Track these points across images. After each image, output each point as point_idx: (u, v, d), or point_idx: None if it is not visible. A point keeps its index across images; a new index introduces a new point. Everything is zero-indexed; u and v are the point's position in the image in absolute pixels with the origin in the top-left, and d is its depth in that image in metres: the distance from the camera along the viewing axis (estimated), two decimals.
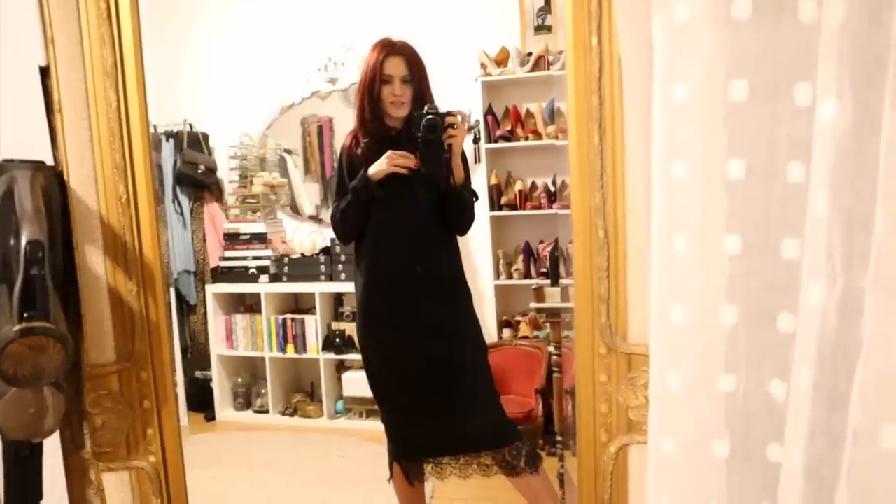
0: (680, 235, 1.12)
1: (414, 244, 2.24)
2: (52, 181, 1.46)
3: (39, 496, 1.43)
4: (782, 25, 1.00)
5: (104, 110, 1.49)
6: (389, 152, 2.15)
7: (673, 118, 1.10)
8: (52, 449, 1.53)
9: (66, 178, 1.50)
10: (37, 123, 1.49)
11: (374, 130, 2.25)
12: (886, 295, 0.85)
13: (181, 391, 4.44)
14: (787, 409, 1.01)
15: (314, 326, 4.33)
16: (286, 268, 4.43)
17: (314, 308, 4.33)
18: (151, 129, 4.42)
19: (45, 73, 1.48)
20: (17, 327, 1.25)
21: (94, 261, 1.53)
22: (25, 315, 1.27)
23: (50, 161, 1.50)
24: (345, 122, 4.46)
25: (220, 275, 4.56)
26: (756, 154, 1.05)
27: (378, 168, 2.17)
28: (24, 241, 1.28)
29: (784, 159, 1.03)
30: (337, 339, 4.26)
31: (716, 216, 1.08)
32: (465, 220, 2.31)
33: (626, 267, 1.42)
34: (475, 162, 4.07)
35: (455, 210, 2.25)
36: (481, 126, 4.11)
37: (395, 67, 2.20)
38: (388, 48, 2.21)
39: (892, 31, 0.83)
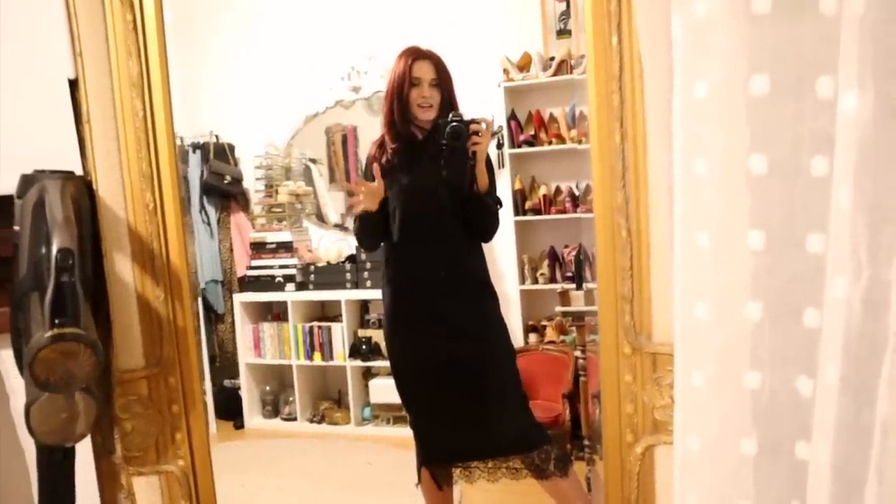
0: (703, 232, 1.11)
1: (438, 249, 2.25)
2: (81, 190, 1.49)
3: (72, 500, 1.45)
4: (803, 19, 0.99)
5: (131, 120, 1.52)
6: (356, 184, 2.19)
7: (694, 115, 1.10)
8: (84, 453, 1.56)
9: (94, 187, 1.53)
10: (66, 134, 1.52)
11: (402, 134, 2.26)
12: None
13: (210, 399, 4.48)
14: (815, 406, 1.00)
15: (341, 334, 4.34)
16: (312, 276, 4.46)
17: (340, 315, 4.35)
18: (178, 141, 4.46)
19: (73, 85, 1.51)
20: (49, 333, 1.28)
21: (122, 268, 1.56)
22: (57, 321, 1.29)
23: (79, 171, 1.53)
24: (369, 130, 4.49)
25: (247, 284, 4.60)
26: (779, 149, 1.04)
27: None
28: (54, 250, 1.30)
29: (807, 153, 1.02)
30: (363, 346, 4.27)
31: (739, 212, 1.07)
32: (489, 227, 2.31)
33: (649, 266, 1.41)
34: (499, 167, 4.07)
35: (479, 217, 2.26)
36: (504, 131, 4.10)
37: (424, 70, 2.22)
38: (416, 53, 2.24)
39: None
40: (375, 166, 2.22)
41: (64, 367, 1.30)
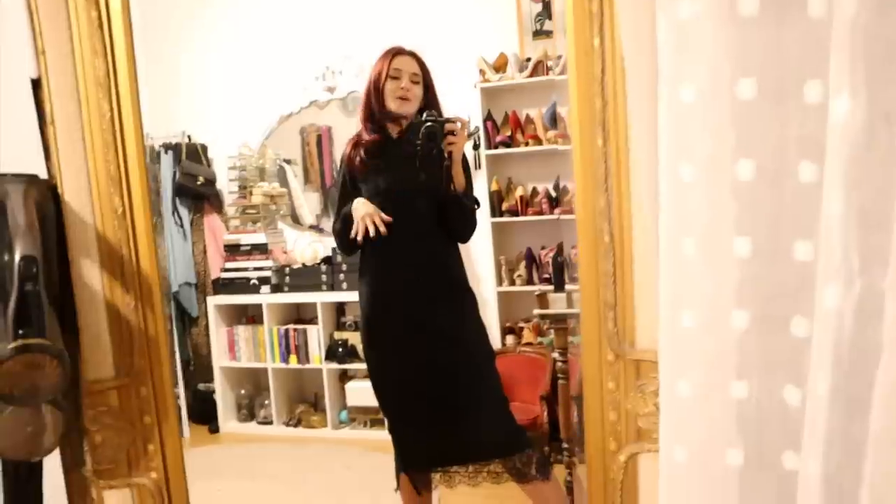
0: (688, 239, 1.09)
1: (414, 251, 2.22)
2: (45, 195, 1.44)
3: None
4: (790, 22, 0.97)
5: (97, 121, 1.47)
6: (370, 212, 2.13)
7: (679, 119, 1.08)
8: (53, 467, 1.51)
9: (59, 191, 1.47)
10: (29, 136, 1.46)
11: (378, 127, 2.23)
12: None
13: (183, 404, 4.42)
14: (803, 416, 0.98)
15: (316, 336, 4.30)
16: (287, 278, 4.41)
17: (316, 318, 4.31)
18: (149, 142, 4.39)
19: (36, 84, 1.45)
20: (12, 345, 1.24)
21: (90, 275, 1.51)
22: (20, 332, 1.25)
23: (43, 174, 1.47)
24: (344, 131, 4.45)
25: (222, 286, 4.54)
26: (766, 154, 1.02)
27: (357, 213, 2.16)
28: (17, 257, 1.26)
29: (795, 159, 1.00)
30: (340, 349, 4.23)
31: (725, 218, 1.06)
32: (466, 228, 2.28)
33: (632, 272, 1.39)
34: (475, 168, 4.04)
35: (456, 218, 2.23)
36: (481, 132, 4.08)
37: (404, 63, 2.22)
38: (398, 50, 2.24)
39: None
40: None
41: (29, 379, 1.26)
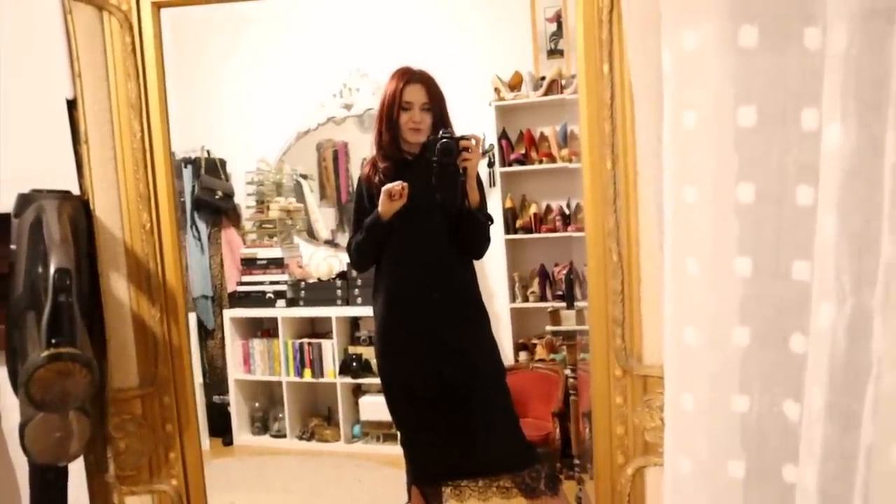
0: (692, 259, 1.13)
1: (430, 268, 2.26)
2: (78, 210, 1.50)
3: None
4: (788, 53, 1.02)
5: (129, 141, 1.54)
6: (384, 188, 2.17)
7: (683, 144, 1.12)
8: (77, 472, 1.56)
9: (91, 206, 1.54)
10: (64, 154, 1.53)
11: (392, 156, 2.28)
12: (895, 314, 0.86)
13: (202, 415, 4.45)
14: (802, 430, 1.02)
15: (331, 350, 4.34)
16: (303, 292, 4.46)
17: (331, 332, 4.35)
18: None
19: (72, 105, 1.52)
20: (46, 353, 1.29)
21: (118, 287, 1.57)
22: (53, 341, 1.30)
23: (76, 190, 1.54)
24: (360, 147, 4.51)
25: (238, 299, 4.59)
26: (765, 178, 1.07)
27: (384, 207, 2.19)
28: (52, 269, 1.31)
29: (793, 183, 1.05)
30: (354, 363, 4.26)
31: (727, 239, 1.10)
32: (480, 244, 2.32)
33: (640, 289, 1.43)
34: (490, 186, 4.09)
35: (470, 233, 2.27)
36: (495, 150, 4.13)
37: (415, 94, 2.23)
38: (408, 76, 2.25)
39: (893, 57, 0.85)
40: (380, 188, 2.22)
41: (59, 386, 1.31)
